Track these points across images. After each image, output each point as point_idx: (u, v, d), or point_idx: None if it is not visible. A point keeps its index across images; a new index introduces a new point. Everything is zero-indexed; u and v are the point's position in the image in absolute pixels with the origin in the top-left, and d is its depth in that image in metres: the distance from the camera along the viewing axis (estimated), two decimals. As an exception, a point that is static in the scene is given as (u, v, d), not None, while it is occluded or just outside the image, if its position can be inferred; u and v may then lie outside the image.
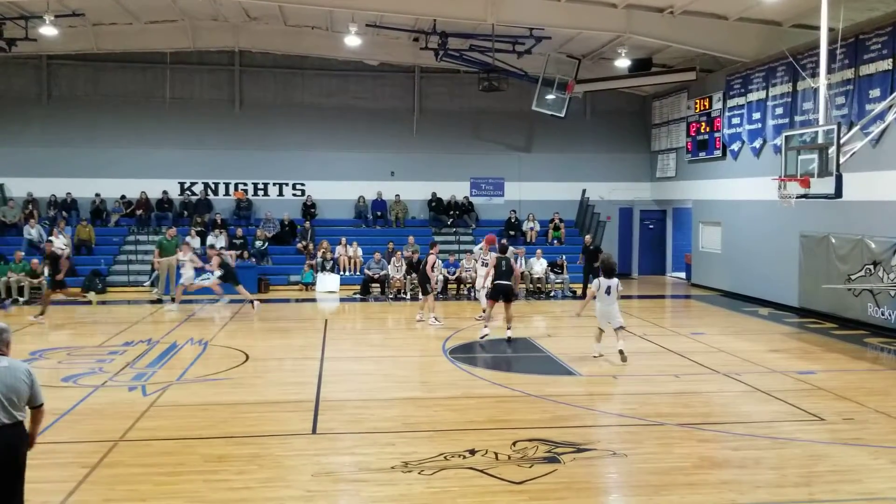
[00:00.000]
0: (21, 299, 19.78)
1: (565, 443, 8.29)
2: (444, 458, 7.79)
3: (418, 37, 22.08)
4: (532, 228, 25.41)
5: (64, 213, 24.10)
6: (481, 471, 7.45)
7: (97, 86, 25.19)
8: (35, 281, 20.10)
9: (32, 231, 22.83)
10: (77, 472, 7.30)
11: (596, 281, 12.72)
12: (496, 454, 7.89)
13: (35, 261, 20.53)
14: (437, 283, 18.69)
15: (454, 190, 26.29)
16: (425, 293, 16.74)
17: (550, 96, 23.16)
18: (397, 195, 26.03)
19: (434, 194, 26.18)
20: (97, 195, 24.54)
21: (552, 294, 22.19)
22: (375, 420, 9.32)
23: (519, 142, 26.87)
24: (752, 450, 8.22)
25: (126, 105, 25.06)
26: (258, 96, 25.90)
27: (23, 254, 21.06)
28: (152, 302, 19.91)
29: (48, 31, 19.95)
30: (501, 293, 14.39)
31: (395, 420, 9.37)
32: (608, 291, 12.43)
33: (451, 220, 25.93)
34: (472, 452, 7.95)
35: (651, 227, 27.64)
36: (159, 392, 10.43)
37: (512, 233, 25.19)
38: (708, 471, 7.61)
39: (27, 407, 5.53)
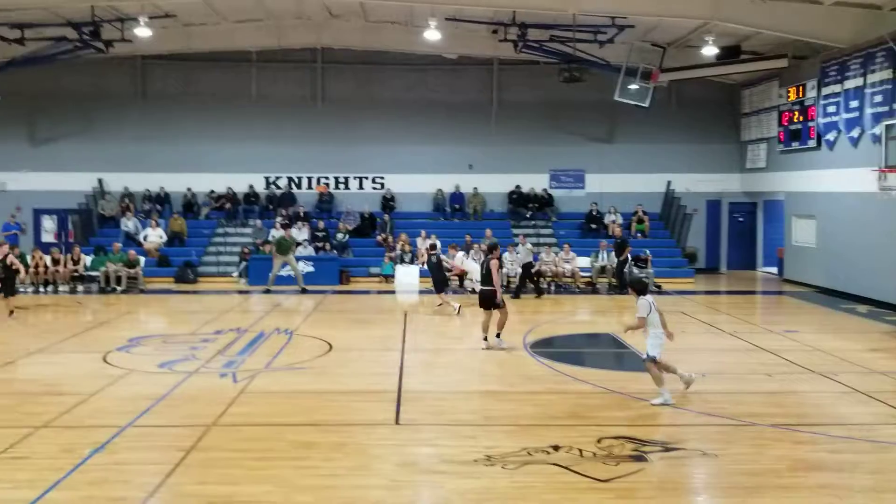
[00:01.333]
0: (119, 288, 20.66)
1: (652, 441, 8.12)
2: (528, 453, 7.74)
3: (497, 29, 21.93)
4: (614, 221, 24.99)
5: (158, 207, 25.09)
6: (566, 467, 7.37)
7: (188, 84, 26.04)
8: (132, 270, 20.97)
9: (129, 223, 23.86)
10: (174, 455, 7.57)
11: (644, 301, 9.76)
12: (580, 451, 7.78)
13: (132, 252, 21.44)
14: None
15: (533, 182, 26.12)
16: (440, 291, 17.65)
17: (633, 86, 22.69)
18: (475, 188, 26.03)
19: (518, 187, 26.04)
20: (188, 189, 25.44)
21: (637, 289, 21.71)
22: (456, 412, 9.34)
23: (600, 133, 26.46)
24: (850, 453, 7.88)
25: (215, 102, 25.83)
26: (339, 92, 26.30)
27: (120, 245, 22.01)
28: (240, 292, 20.50)
29: (142, 32, 20.70)
30: (481, 301, 13.07)
31: (476, 413, 9.37)
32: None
33: (530, 212, 25.76)
34: (556, 448, 7.86)
35: (741, 220, 26.80)
36: (248, 379, 10.73)
37: (593, 226, 24.84)
38: (803, 474, 7.33)
39: None
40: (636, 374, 10.92)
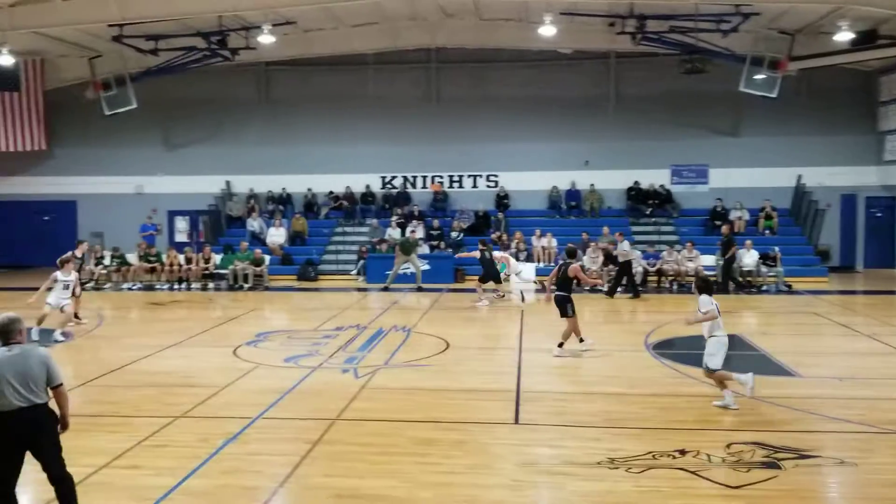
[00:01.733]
0: (246, 285, 21.58)
1: (785, 448, 7.70)
2: (653, 456, 7.51)
3: (614, 21, 21.45)
4: (740, 218, 23.97)
5: (280, 207, 26.05)
6: (693, 472, 7.10)
7: (308, 88, 26.88)
8: (257, 269, 21.87)
9: (254, 223, 24.90)
10: (301, 447, 7.81)
11: (707, 299, 9.37)
12: (709, 456, 7.48)
13: (258, 250, 22.36)
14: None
15: (653, 178, 25.43)
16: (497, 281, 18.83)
17: (760, 76, 21.68)
18: (592, 184, 25.59)
19: (637, 183, 25.43)
20: (309, 189, 26.29)
21: (764, 288, 20.80)
22: (578, 414, 9.18)
23: (724, 125, 25.43)
24: None
25: (334, 105, 26.54)
26: (453, 91, 26.47)
27: (247, 244, 23.00)
28: (359, 289, 20.97)
29: (266, 39, 21.51)
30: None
31: (598, 415, 9.18)
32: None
33: (649, 209, 25.08)
34: (683, 453, 7.59)
35: (878, 215, 25.13)
36: (369, 375, 10.93)
37: (717, 222, 23.91)
38: (956, 487, 6.77)
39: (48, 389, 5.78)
40: (766, 377, 10.41)
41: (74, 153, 26.77)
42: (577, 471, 7.22)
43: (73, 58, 25.02)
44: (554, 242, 23.25)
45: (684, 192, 25.56)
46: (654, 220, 24.85)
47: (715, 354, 9.36)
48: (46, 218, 27.00)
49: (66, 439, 8.20)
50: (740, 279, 20.76)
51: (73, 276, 14.75)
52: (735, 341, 13.55)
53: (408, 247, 21.32)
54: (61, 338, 13.91)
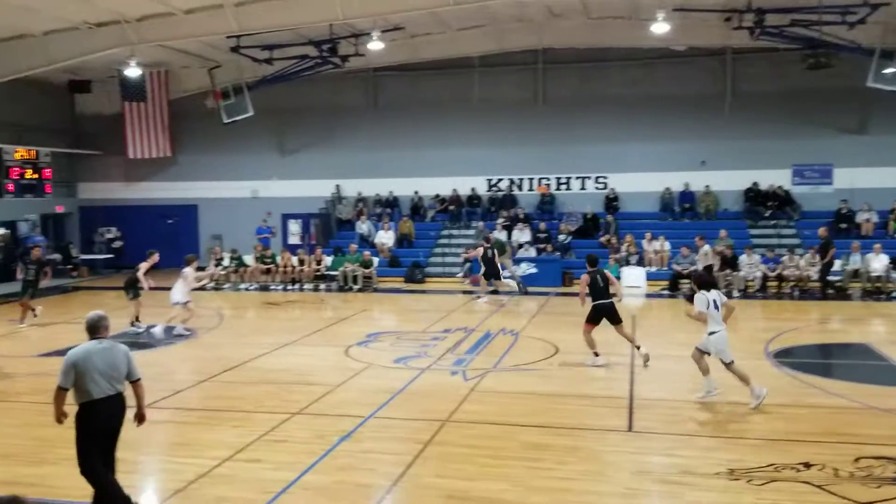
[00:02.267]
0: (355, 287, 22.05)
1: (922, 464, 7.20)
2: (775, 469, 7.19)
3: (730, 16, 20.67)
4: (868, 220, 22.61)
5: (388, 210, 26.48)
6: (819, 486, 6.75)
7: (415, 93, 27.22)
8: (366, 270, 22.30)
9: (363, 226, 25.44)
10: (412, 448, 7.89)
11: (702, 298, 9.59)
12: (835, 470, 7.10)
13: (367, 252, 22.82)
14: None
15: (772, 178, 24.29)
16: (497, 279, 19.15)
17: (890, 70, 20.37)
18: (706, 186, 24.74)
19: (755, 184, 24.41)
20: (415, 192, 26.62)
21: (894, 294, 19.53)
22: (694, 422, 8.91)
23: (851, 123, 24.05)
24: None
25: (440, 109, 26.77)
26: (560, 92, 26.19)
27: (356, 246, 23.50)
28: (465, 292, 21.04)
29: (375, 45, 21.95)
30: None
31: (716, 424, 8.87)
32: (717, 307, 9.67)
33: (769, 211, 24.01)
34: (807, 466, 7.23)
35: None
36: (478, 378, 10.94)
37: (843, 225, 22.64)
38: None
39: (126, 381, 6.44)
40: (899, 389, 9.78)
41: (196, 159, 28.11)
42: (694, 481, 7.00)
43: (195, 69, 26.32)
44: (667, 246, 22.58)
45: (806, 194, 24.31)
46: (773, 222, 23.75)
47: (724, 349, 9.56)
48: (170, 221, 28.46)
49: (192, 432, 8.65)
50: (868, 285, 19.59)
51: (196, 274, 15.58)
52: (863, 350, 12.84)
53: (501, 248, 21.27)
54: (185, 332, 14.63)
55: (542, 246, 23.61)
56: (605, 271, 12.45)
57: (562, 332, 14.98)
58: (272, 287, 22.70)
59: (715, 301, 9.61)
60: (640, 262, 22.45)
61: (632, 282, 21.75)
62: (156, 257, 15.77)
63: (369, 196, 27.19)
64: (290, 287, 22.57)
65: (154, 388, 10.59)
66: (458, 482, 7.04)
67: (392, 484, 7.01)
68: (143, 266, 15.54)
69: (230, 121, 25.59)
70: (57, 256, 25.75)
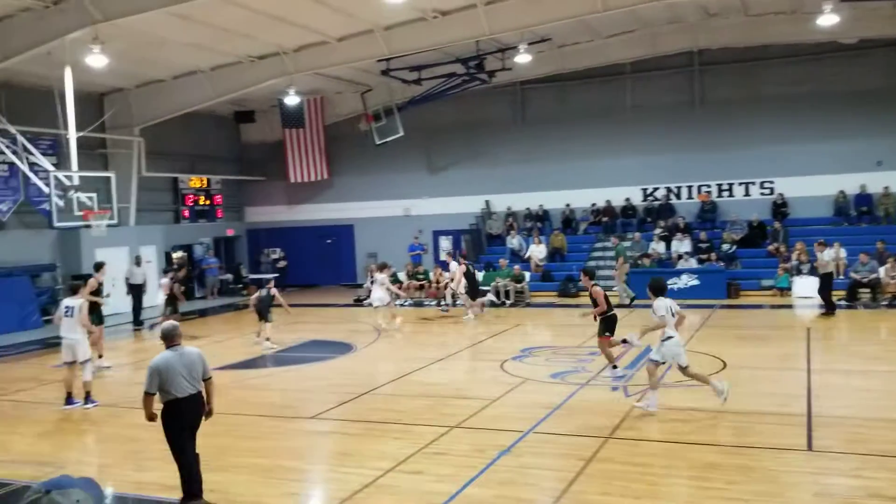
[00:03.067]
0: (507, 301, 21.97)
1: None
2: None
3: (908, 2, 19.03)
4: None
5: (538, 224, 26.26)
6: None
7: (564, 104, 26.90)
8: (518, 285, 22.18)
9: (513, 241, 25.36)
10: (574, 464, 7.64)
11: (662, 304, 9.76)
12: None
13: (517, 267, 22.70)
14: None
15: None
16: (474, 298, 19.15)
17: None
18: (885, 187, 22.72)
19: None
20: (567, 205, 26.22)
21: None
22: (883, 442, 8.11)
23: None
24: None
25: (590, 119, 26.30)
26: (718, 94, 25.01)
27: (507, 261, 23.44)
28: (623, 305, 20.41)
29: (522, 58, 21.90)
30: None
31: (909, 444, 8.01)
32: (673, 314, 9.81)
33: (958, 212, 21.76)
34: None
35: None
36: (640, 394, 10.50)
37: None
38: None
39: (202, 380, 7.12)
40: None
41: (350, 181, 29.18)
42: (888, 506, 6.32)
43: (348, 94, 27.43)
44: (843, 253, 20.88)
45: None
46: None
47: (680, 353, 9.69)
48: (329, 241, 29.68)
49: (355, 443, 8.83)
50: None
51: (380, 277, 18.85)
52: None
53: (624, 256, 20.86)
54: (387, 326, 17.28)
55: (703, 256, 22.53)
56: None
57: (728, 346, 14.20)
58: (425, 303, 23.05)
59: (671, 307, 9.77)
60: (812, 272, 20.87)
61: (804, 292, 20.32)
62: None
63: (519, 210, 27.09)
64: (443, 303, 22.82)
65: (319, 400, 10.98)
66: (624, 500, 6.74)
67: (554, 501, 6.80)
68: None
69: (382, 142, 26.47)
70: (228, 276, 27.49)
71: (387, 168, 28.23)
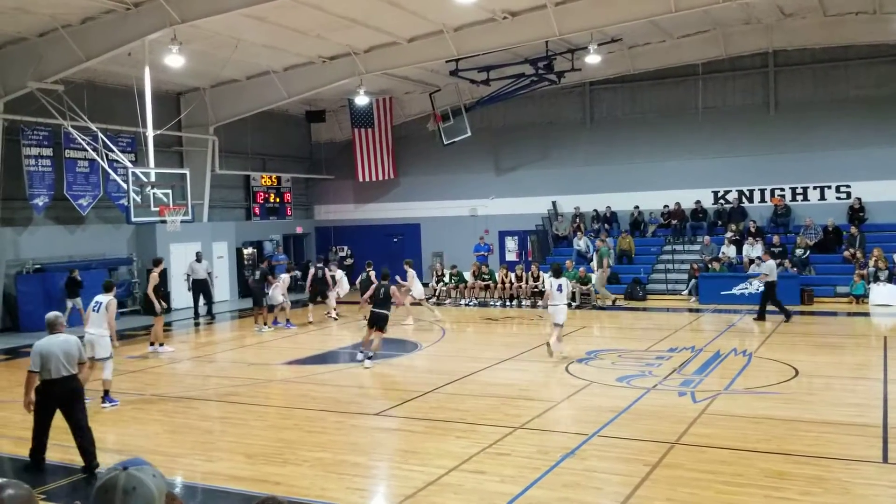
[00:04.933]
0: (573, 304, 21.74)
1: None
2: None
3: None
4: None
5: (606, 226, 25.94)
6: None
7: (633, 105, 26.54)
8: (584, 287, 21.96)
9: (580, 242, 25.09)
10: (639, 469, 7.55)
11: (549, 280, 14.02)
12: None
13: (583, 269, 22.47)
14: None
15: None
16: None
17: None
18: (973, 192, 21.73)
19: None
20: (635, 207, 25.84)
21: None
22: (971, 458, 7.73)
23: None
24: None
25: (660, 120, 25.88)
26: (794, 95, 24.27)
27: (573, 263, 23.23)
28: (691, 310, 20.05)
29: (592, 59, 21.68)
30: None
31: None
32: (559, 289, 13.53)
33: None
34: None
35: None
36: (709, 400, 10.30)
37: None
38: None
39: (78, 364, 8.13)
40: None
41: (417, 180, 29.38)
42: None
43: (416, 94, 27.63)
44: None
45: None
46: None
47: (557, 314, 13.57)
48: (395, 240, 29.94)
49: (420, 441, 8.90)
50: None
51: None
52: None
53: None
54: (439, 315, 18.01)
55: (777, 261, 21.87)
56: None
57: (801, 353, 13.81)
58: (491, 303, 23.04)
59: (560, 285, 13.52)
60: (891, 279, 20.11)
61: (882, 300, 19.59)
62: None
63: (587, 212, 26.82)
64: (508, 303, 22.78)
65: (383, 397, 11.12)
66: (692, 508, 6.62)
67: (619, 505, 6.73)
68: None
69: (449, 142, 26.56)
70: (297, 273, 28.00)
71: (453, 168, 28.32)
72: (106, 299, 11.33)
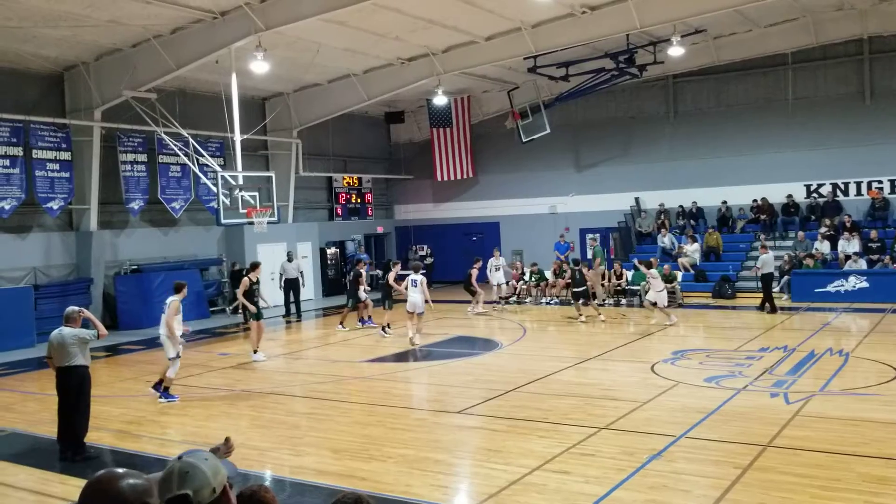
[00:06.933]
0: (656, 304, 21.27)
1: None
2: None
3: None
4: None
5: (692, 222, 25.27)
6: None
7: (719, 97, 25.78)
8: (669, 285, 21.43)
9: (665, 239, 24.52)
10: (730, 472, 7.31)
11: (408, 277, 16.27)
12: None
13: (667, 266, 21.96)
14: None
15: None
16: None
17: None
18: None
19: None
20: (723, 202, 25.07)
21: None
22: None
23: None
24: None
25: (747, 112, 25.07)
26: (892, 83, 23.08)
27: (657, 260, 22.69)
28: (783, 309, 19.32)
29: (675, 51, 21.11)
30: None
31: None
32: (414, 284, 15.78)
33: None
34: None
35: None
36: (803, 401, 9.90)
37: None
38: None
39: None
40: None
41: (496, 179, 29.32)
42: None
43: (494, 92, 27.58)
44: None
45: None
46: None
47: (417, 304, 15.79)
48: (475, 238, 29.95)
49: (502, 440, 8.87)
50: None
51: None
52: None
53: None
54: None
55: (874, 257, 20.89)
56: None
57: (902, 353, 13.12)
58: (572, 302, 22.72)
59: (414, 281, 15.75)
60: None
61: None
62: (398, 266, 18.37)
63: (671, 208, 26.18)
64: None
65: (465, 395, 11.13)
66: (786, 513, 6.38)
67: (709, 508, 6.54)
68: (391, 275, 17.75)
69: (528, 140, 26.39)
70: (378, 272, 28.37)
71: (533, 165, 28.15)
72: (170, 300, 11.45)
